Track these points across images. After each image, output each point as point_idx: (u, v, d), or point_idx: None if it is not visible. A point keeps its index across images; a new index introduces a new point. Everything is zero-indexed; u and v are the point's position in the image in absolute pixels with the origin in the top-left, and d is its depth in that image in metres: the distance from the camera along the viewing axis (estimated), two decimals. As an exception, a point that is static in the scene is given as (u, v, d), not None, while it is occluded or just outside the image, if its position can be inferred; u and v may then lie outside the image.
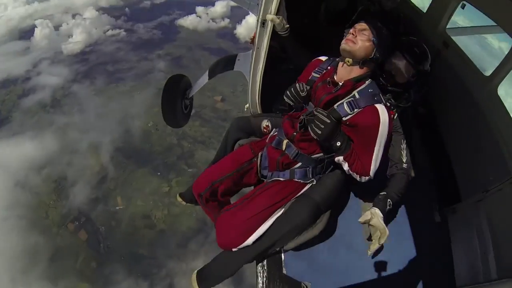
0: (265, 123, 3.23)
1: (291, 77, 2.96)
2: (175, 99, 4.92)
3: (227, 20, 74.10)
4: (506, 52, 3.34)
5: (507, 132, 3.15)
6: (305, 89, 2.63)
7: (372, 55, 2.33)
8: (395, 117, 2.75)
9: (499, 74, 3.48)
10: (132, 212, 34.82)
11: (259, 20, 2.83)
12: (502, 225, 2.79)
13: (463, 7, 4.31)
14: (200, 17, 73.33)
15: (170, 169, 38.67)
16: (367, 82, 2.39)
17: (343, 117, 2.31)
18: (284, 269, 2.88)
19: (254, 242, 2.52)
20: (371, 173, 2.39)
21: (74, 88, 52.09)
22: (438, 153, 4.20)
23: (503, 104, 3.37)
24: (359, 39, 2.29)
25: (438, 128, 4.41)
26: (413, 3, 5.73)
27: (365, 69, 2.38)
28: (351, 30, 2.35)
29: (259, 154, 2.84)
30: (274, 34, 2.95)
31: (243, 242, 2.50)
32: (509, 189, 2.87)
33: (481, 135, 3.55)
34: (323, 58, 2.78)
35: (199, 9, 76.05)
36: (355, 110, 2.28)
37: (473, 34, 6.07)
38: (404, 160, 2.64)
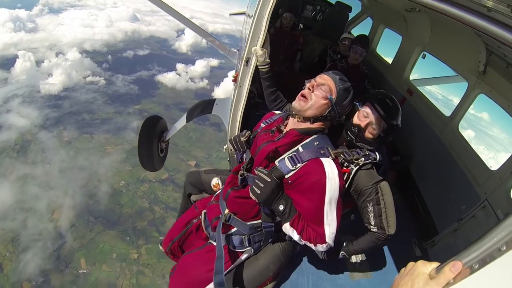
0: (215, 181, 3.15)
1: None
2: (152, 140, 4.90)
3: (205, 81, 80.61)
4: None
5: (472, 163, 3.57)
6: (245, 134, 2.67)
7: (326, 114, 2.23)
8: (352, 175, 2.48)
9: (458, 113, 3.99)
10: (96, 277, 34.17)
11: (244, 58, 2.98)
12: None
13: (423, 57, 4.90)
14: (179, 75, 78.86)
15: (140, 235, 38.83)
16: (314, 135, 2.23)
17: (285, 174, 2.11)
18: None
19: None
20: (328, 239, 2.12)
21: (41, 135, 52.46)
22: (411, 192, 4.51)
23: (465, 139, 3.85)
24: (314, 94, 2.20)
25: (409, 168, 4.76)
26: (379, 55, 6.58)
27: (317, 124, 2.26)
28: (309, 84, 2.26)
29: (202, 212, 2.73)
30: (256, 75, 3.05)
31: None
32: (482, 213, 3.15)
33: (449, 169, 3.92)
34: (278, 112, 2.74)
35: (180, 66, 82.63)
36: (298, 165, 2.07)
37: (434, 84, 6.37)
38: (372, 224, 2.44)
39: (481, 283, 0.88)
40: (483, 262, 0.88)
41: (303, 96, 2.25)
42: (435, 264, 1.02)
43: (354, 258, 2.78)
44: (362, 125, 2.55)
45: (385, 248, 3.47)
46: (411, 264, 1.12)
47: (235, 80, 3.46)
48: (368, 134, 2.57)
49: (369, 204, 2.50)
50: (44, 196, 42.29)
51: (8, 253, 35.28)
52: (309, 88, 2.24)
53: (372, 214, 2.48)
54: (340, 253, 2.50)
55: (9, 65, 68.25)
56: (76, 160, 48.83)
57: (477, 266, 0.89)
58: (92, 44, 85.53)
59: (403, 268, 1.15)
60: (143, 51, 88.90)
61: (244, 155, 2.88)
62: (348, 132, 2.61)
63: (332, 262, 2.65)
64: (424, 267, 1.04)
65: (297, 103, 2.24)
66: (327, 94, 2.20)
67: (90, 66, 75.17)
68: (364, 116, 2.56)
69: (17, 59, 69.89)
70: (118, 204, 42.92)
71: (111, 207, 42.22)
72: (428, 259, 3.11)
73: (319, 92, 2.21)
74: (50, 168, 46.93)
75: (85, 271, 34.92)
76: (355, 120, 2.60)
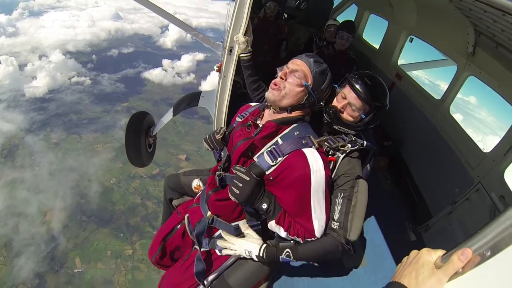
0: (195, 182, 3.01)
1: None
2: (139, 135, 4.92)
3: (192, 75, 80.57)
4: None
5: (464, 146, 3.60)
6: (220, 132, 2.53)
7: (304, 101, 2.06)
8: (338, 164, 2.23)
9: (449, 96, 4.02)
10: (92, 275, 34.19)
11: (227, 47, 2.96)
12: (476, 229, 3.70)
13: (411, 41, 5.01)
14: (166, 70, 78.69)
15: (133, 231, 38.84)
16: (294, 124, 2.08)
17: (265, 171, 1.95)
18: None
19: None
20: (317, 233, 2.02)
21: (28, 138, 51.94)
22: (404, 177, 4.53)
23: (456, 121, 3.88)
24: (288, 83, 2.02)
25: (400, 153, 4.78)
26: (366, 41, 6.69)
27: (295, 113, 2.10)
28: (280, 73, 2.08)
29: (185, 217, 2.61)
30: (240, 65, 3.05)
31: None
32: (476, 196, 3.21)
33: (441, 153, 3.96)
34: (253, 104, 2.57)
35: (165, 62, 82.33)
36: (278, 159, 1.92)
37: (422, 68, 6.42)
38: (336, 218, 2.10)
39: (495, 272, 0.83)
40: (497, 248, 0.82)
41: (275, 84, 2.07)
42: (440, 252, 0.96)
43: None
44: (339, 106, 2.34)
45: (380, 235, 3.43)
46: (414, 252, 1.05)
47: (219, 70, 3.39)
48: (347, 117, 2.36)
49: (339, 195, 2.20)
50: (34, 200, 41.88)
51: (2, 257, 35.06)
52: (281, 77, 2.07)
53: (339, 208, 2.16)
54: (284, 252, 2.11)
55: (-9, 72, 67.06)
56: (65, 162, 48.40)
57: (489, 253, 0.83)
58: (75, 45, 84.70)
59: (406, 257, 1.09)
60: (127, 49, 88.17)
61: (222, 153, 2.78)
62: (325, 115, 2.39)
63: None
64: (429, 256, 0.98)
65: (270, 93, 2.06)
66: (302, 81, 2.03)
67: (74, 67, 74.48)
68: (342, 98, 2.35)
69: (-1, 65, 68.79)
70: (110, 202, 42.81)
71: (103, 205, 42.11)
72: (423, 243, 3.60)
73: (292, 79, 2.04)
74: (39, 171, 46.47)
75: (80, 270, 34.81)
76: (334, 102, 2.40)
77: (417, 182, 4.34)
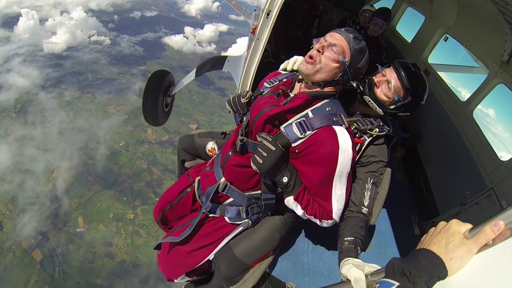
0: (210, 145, 2.98)
1: None
2: (158, 93, 4.93)
3: (213, 46, 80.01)
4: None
5: (482, 151, 3.67)
6: (247, 95, 2.43)
7: (338, 78, 2.00)
8: (364, 146, 2.31)
9: (475, 99, 4.09)
10: (92, 236, 35.25)
11: (265, 11, 2.92)
12: None
13: (445, 39, 5.04)
14: (187, 38, 78.33)
15: (137, 196, 39.75)
16: (326, 100, 2.04)
17: (292, 143, 1.92)
18: (267, 269, 2.77)
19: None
20: (335, 215, 2.02)
21: (41, 95, 52.67)
22: (416, 172, 4.67)
23: (478, 126, 3.95)
24: (324, 57, 1.95)
25: (416, 148, 4.94)
26: (399, 33, 6.77)
27: (327, 88, 2.05)
28: (317, 45, 1.99)
29: (196, 180, 2.55)
30: (272, 34, 3.09)
31: (177, 278, 2.47)
32: (485, 201, 3.26)
33: (458, 154, 4.04)
34: (284, 72, 2.54)
35: (188, 29, 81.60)
36: (307, 132, 1.89)
37: (452, 71, 6.52)
38: (366, 204, 2.21)
39: None
40: None
41: (311, 58, 1.98)
42: (469, 226, 0.98)
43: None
44: (376, 80, 2.36)
45: (387, 223, 3.63)
46: (443, 223, 1.07)
47: (253, 32, 3.34)
48: (380, 94, 2.36)
49: (369, 180, 2.31)
50: (42, 158, 43.07)
51: (8, 211, 36.56)
52: (318, 50, 1.99)
53: (368, 194, 2.28)
54: (358, 252, 2.02)
55: (12, 23, 67.66)
56: (75, 121, 49.37)
57: None
58: (98, 3, 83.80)
59: (433, 228, 1.10)
60: (150, 12, 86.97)
61: (244, 117, 2.61)
62: (360, 83, 2.37)
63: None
64: (459, 227, 1.00)
65: (304, 67, 2.00)
66: (340, 57, 1.96)
67: (95, 25, 74.30)
68: (382, 75, 2.38)
69: (20, 18, 69.19)
70: (116, 164, 43.74)
71: (110, 168, 43.08)
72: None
73: (329, 53, 1.96)
74: (49, 129, 47.54)
75: (82, 229, 36.08)
76: (373, 75, 2.43)
77: (429, 178, 4.44)
